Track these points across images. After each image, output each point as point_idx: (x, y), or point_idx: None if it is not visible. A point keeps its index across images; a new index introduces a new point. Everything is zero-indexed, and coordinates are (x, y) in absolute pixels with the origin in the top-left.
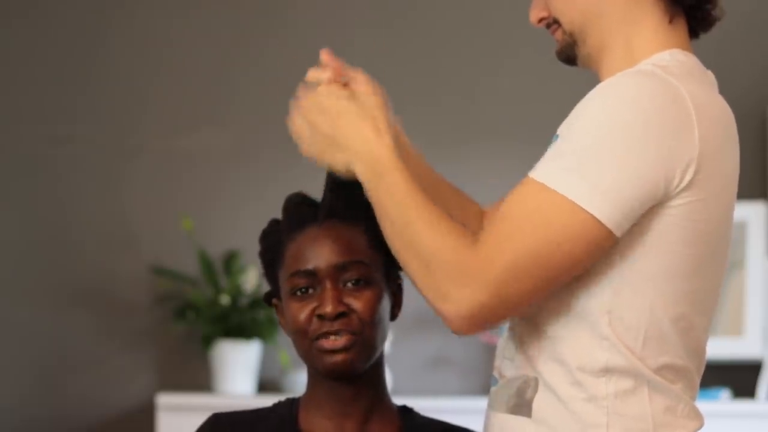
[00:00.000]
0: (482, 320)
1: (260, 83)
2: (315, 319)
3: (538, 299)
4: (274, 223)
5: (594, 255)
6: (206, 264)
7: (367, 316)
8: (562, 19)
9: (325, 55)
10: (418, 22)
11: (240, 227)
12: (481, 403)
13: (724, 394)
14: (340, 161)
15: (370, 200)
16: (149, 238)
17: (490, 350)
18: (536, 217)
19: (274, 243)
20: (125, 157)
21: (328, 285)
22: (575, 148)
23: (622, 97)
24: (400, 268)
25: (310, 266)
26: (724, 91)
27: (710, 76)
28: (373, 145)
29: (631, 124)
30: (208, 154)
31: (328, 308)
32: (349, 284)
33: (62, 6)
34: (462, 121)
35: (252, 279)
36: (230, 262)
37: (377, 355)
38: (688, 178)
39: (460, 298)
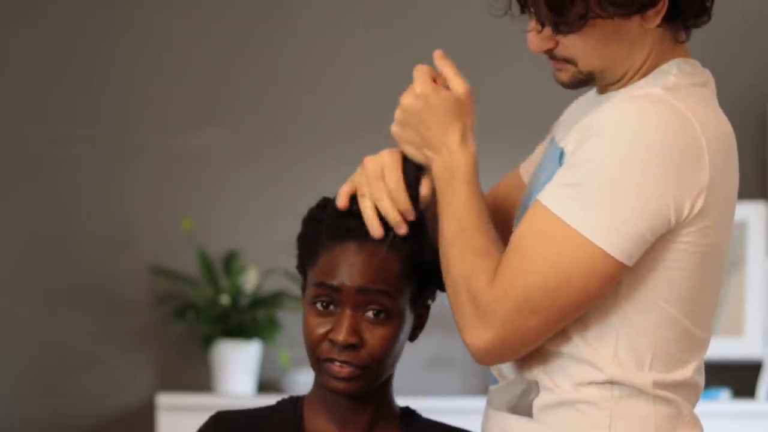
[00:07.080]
0: (498, 353)
1: (260, 83)
2: (326, 341)
3: (553, 332)
4: (322, 207)
5: (607, 287)
6: (206, 264)
7: (378, 352)
8: (582, 65)
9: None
10: (418, 21)
11: (240, 227)
12: (481, 403)
13: (724, 394)
14: (420, 155)
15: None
16: (149, 238)
17: None
18: (548, 252)
19: (312, 237)
20: (125, 157)
21: (348, 311)
22: (586, 179)
23: (633, 128)
24: (438, 292)
25: (336, 282)
26: (724, 91)
27: (711, 83)
28: (455, 152)
29: (643, 156)
30: (208, 154)
31: (340, 337)
32: (369, 314)
33: (62, 6)
34: None
35: (252, 279)
36: (230, 262)
37: (385, 377)
38: (699, 206)
39: (478, 331)
